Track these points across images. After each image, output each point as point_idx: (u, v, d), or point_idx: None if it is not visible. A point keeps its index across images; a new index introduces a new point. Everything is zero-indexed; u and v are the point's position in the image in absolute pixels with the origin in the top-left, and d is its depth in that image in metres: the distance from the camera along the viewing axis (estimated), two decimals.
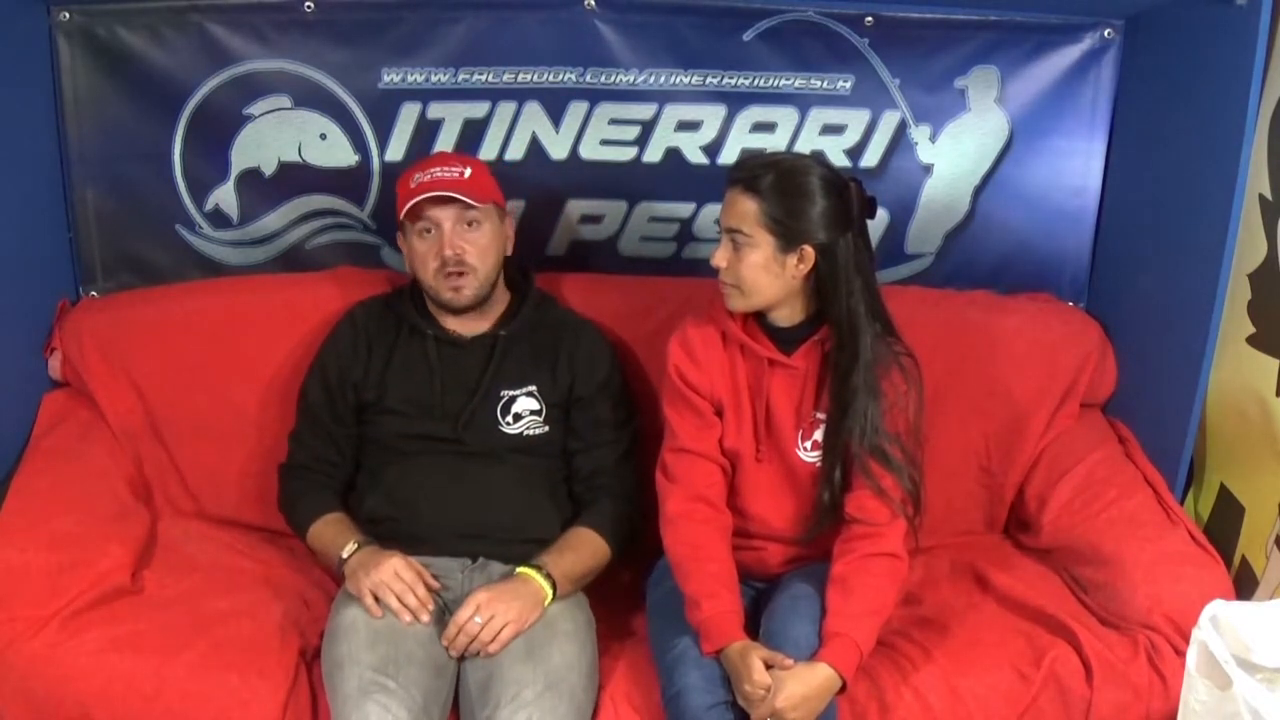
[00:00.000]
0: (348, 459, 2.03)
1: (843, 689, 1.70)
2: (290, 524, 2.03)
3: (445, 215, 1.92)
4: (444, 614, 1.86)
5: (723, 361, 1.87)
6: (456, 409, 1.96)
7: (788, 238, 1.76)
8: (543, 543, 1.93)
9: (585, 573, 1.91)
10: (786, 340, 1.85)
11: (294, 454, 2.05)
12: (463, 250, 1.92)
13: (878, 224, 2.40)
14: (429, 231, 1.93)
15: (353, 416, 2.00)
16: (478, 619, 1.74)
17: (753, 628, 1.78)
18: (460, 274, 1.93)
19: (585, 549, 1.92)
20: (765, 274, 1.78)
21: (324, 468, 2.01)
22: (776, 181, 1.76)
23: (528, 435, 1.98)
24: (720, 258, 1.79)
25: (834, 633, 1.71)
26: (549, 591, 1.81)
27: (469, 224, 1.94)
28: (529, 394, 1.98)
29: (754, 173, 1.77)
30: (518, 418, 1.97)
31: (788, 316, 1.84)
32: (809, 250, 1.77)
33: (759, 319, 1.86)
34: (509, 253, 2.04)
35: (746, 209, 1.76)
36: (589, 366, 2.02)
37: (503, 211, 2.03)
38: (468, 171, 1.95)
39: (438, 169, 1.95)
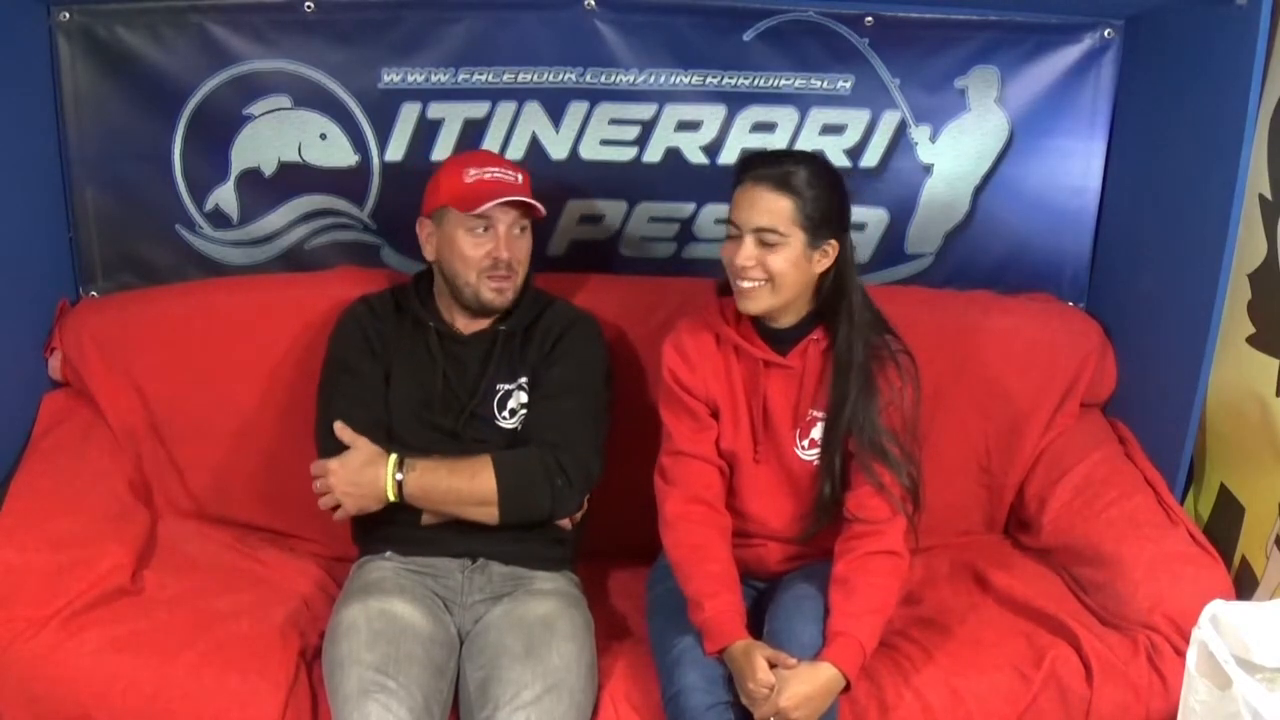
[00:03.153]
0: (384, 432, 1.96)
1: (846, 688, 1.70)
2: (384, 510, 1.90)
3: (505, 218, 1.93)
4: (444, 612, 1.86)
5: (717, 364, 1.86)
6: (458, 405, 1.96)
7: (817, 233, 1.76)
8: (543, 541, 1.94)
9: (456, 486, 1.86)
10: (781, 341, 1.85)
11: (335, 452, 1.90)
12: (512, 255, 1.94)
13: (878, 224, 2.41)
14: (484, 230, 1.93)
15: (379, 394, 1.96)
16: None
17: (754, 628, 1.78)
18: (506, 277, 1.94)
19: (465, 467, 1.88)
20: (795, 271, 1.77)
21: (372, 434, 1.92)
22: (809, 178, 1.75)
23: (521, 430, 1.97)
24: (747, 257, 1.76)
25: (837, 632, 1.72)
26: (391, 467, 1.84)
27: (520, 230, 1.96)
28: (520, 387, 1.98)
29: (783, 169, 1.75)
30: (513, 412, 1.97)
31: (790, 317, 1.83)
32: (834, 245, 1.77)
33: (754, 320, 1.85)
34: None
35: (779, 207, 1.74)
36: (558, 344, 2.00)
37: None
38: (520, 177, 1.97)
39: (496, 169, 1.96)
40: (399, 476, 1.86)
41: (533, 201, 1.93)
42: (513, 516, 1.88)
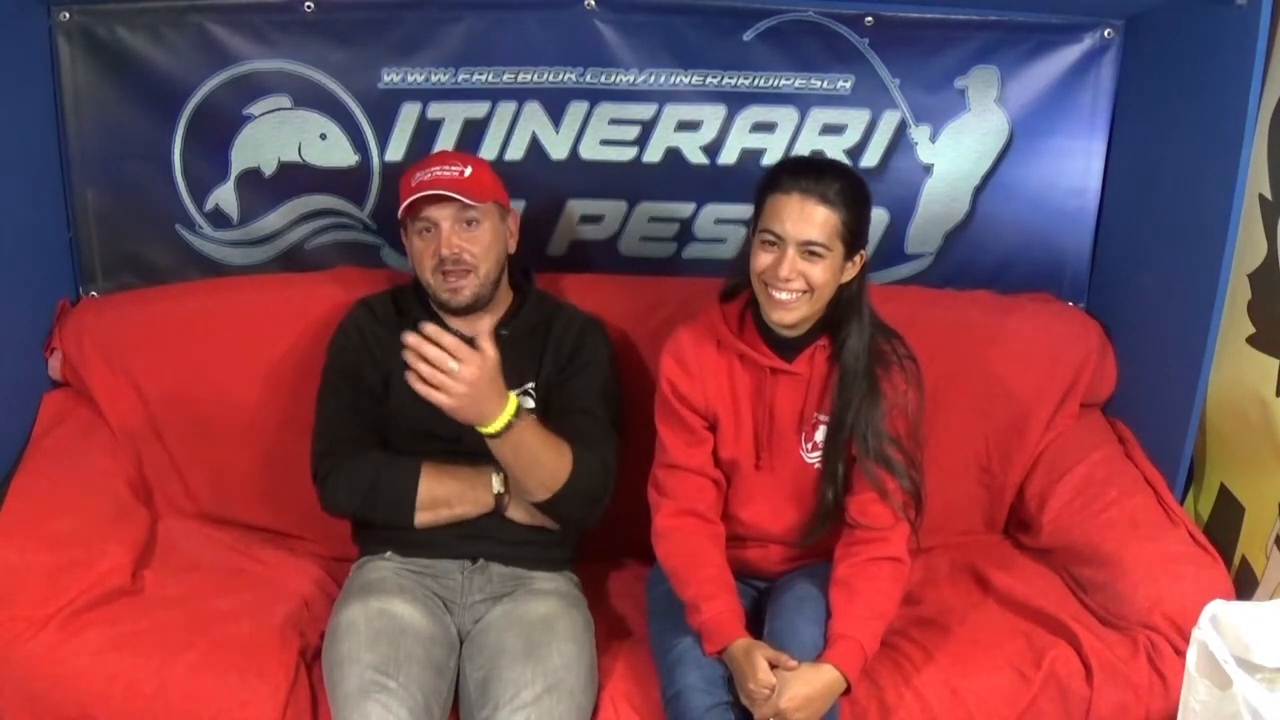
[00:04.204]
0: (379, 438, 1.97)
1: (847, 690, 1.70)
2: (376, 512, 1.92)
3: (443, 214, 1.90)
4: (444, 612, 1.86)
5: (718, 370, 1.85)
6: None
7: (852, 246, 1.75)
8: (543, 542, 1.93)
9: (542, 458, 1.82)
10: (787, 347, 1.83)
11: (326, 453, 1.94)
12: (460, 249, 1.90)
13: (878, 224, 2.41)
14: (428, 230, 1.92)
15: (377, 402, 1.96)
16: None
17: (754, 628, 1.78)
18: (462, 273, 1.92)
19: (555, 447, 1.84)
20: (832, 282, 1.75)
21: (366, 438, 1.93)
22: (850, 192, 1.73)
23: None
24: (792, 269, 1.72)
25: (839, 634, 1.72)
26: (511, 408, 1.74)
27: (468, 223, 1.92)
28: (525, 392, 1.97)
29: (829, 183, 1.72)
30: None
31: (804, 325, 1.80)
32: (863, 256, 1.78)
33: (760, 326, 1.84)
34: (512, 250, 2.02)
35: (825, 220, 1.71)
36: (578, 352, 1.99)
37: (505, 210, 2.01)
38: (468, 170, 1.94)
39: (437, 168, 1.94)
40: (516, 419, 1.75)
41: (448, 193, 1.88)
42: (555, 510, 1.87)
